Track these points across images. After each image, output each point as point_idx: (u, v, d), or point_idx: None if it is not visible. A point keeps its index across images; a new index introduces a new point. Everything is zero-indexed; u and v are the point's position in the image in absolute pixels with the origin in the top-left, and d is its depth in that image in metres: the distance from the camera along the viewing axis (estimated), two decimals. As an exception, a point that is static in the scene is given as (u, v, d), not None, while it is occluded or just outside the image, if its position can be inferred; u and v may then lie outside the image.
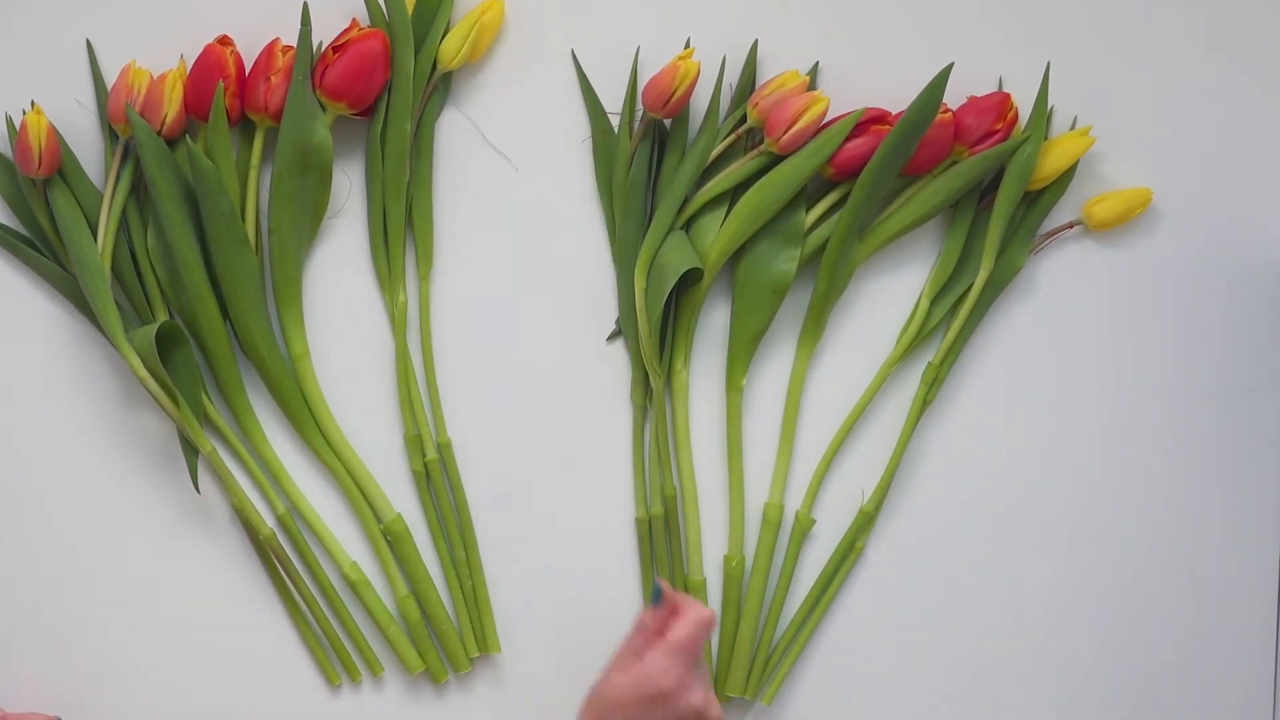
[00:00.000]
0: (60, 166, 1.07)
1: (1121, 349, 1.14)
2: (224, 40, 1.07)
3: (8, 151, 1.09)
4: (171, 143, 1.07)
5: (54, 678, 1.02)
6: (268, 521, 1.10)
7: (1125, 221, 1.12)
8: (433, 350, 1.11)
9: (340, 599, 1.11)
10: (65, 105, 1.09)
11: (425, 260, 1.10)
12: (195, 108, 1.08)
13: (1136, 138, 1.13)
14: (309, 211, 1.09)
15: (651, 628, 0.97)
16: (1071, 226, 1.13)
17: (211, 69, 1.06)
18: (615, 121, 1.10)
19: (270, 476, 1.10)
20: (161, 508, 1.10)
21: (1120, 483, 1.14)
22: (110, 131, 1.08)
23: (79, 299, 1.08)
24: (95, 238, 1.07)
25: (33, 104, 1.06)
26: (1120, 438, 1.14)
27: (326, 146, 1.07)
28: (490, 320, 1.11)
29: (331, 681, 1.11)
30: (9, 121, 1.08)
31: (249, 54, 1.08)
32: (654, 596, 0.97)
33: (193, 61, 1.08)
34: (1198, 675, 1.14)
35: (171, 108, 1.06)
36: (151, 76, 1.07)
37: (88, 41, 1.09)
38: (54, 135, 1.05)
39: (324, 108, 1.07)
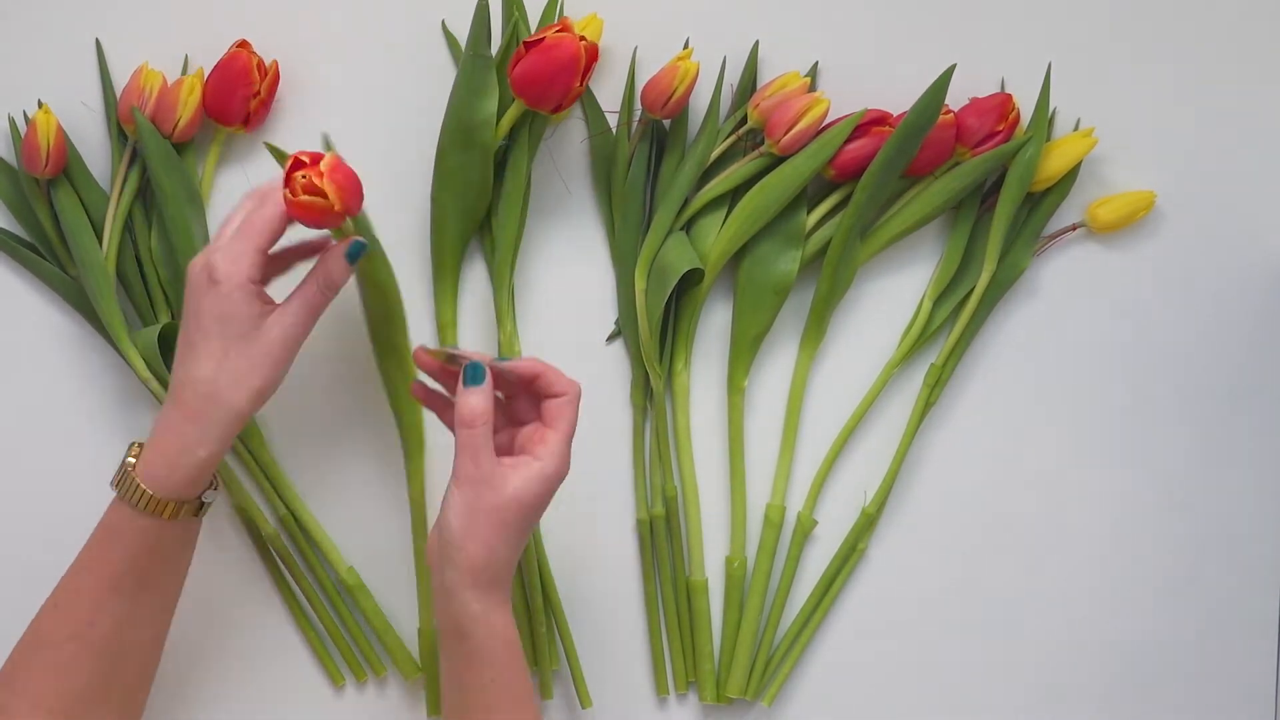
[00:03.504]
0: (66, 167, 1.07)
1: (1124, 351, 1.13)
2: (243, 44, 1.08)
3: (7, 154, 1.09)
4: (181, 146, 1.08)
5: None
6: (270, 521, 1.10)
7: (1128, 224, 1.12)
8: (434, 350, 1.11)
9: (342, 599, 1.11)
10: (70, 106, 1.09)
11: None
12: (217, 112, 1.08)
13: (1139, 140, 1.12)
14: (473, 190, 1.08)
15: (510, 415, 0.97)
16: (1074, 229, 1.12)
17: (237, 75, 1.07)
18: (614, 121, 1.10)
19: (269, 480, 1.11)
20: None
21: (1122, 484, 1.13)
22: (120, 133, 1.09)
23: (79, 302, 1.09)
24: (100, 239, 1.07)
25: (40, 104, 1.07)
26: (1122, 439, 1.13)
27: (491, 124, 1.05)
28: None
29: (335, 682, 1.11)
30: (12, 123, 1.08)
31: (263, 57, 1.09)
32: (474, 375, 0.94)
33: (212, 64, 1.08)
34: (1200, 676, 1.13)
35: (186, 111, 1.07)
36: (165, 79, 1.07)
37: (97, 41, 1.09)
38: (62, 135, 1.06)
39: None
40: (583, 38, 1.02)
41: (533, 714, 0.95)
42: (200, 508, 0.97)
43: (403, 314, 1.02)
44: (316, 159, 0.92)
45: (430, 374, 0.98)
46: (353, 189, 0.93)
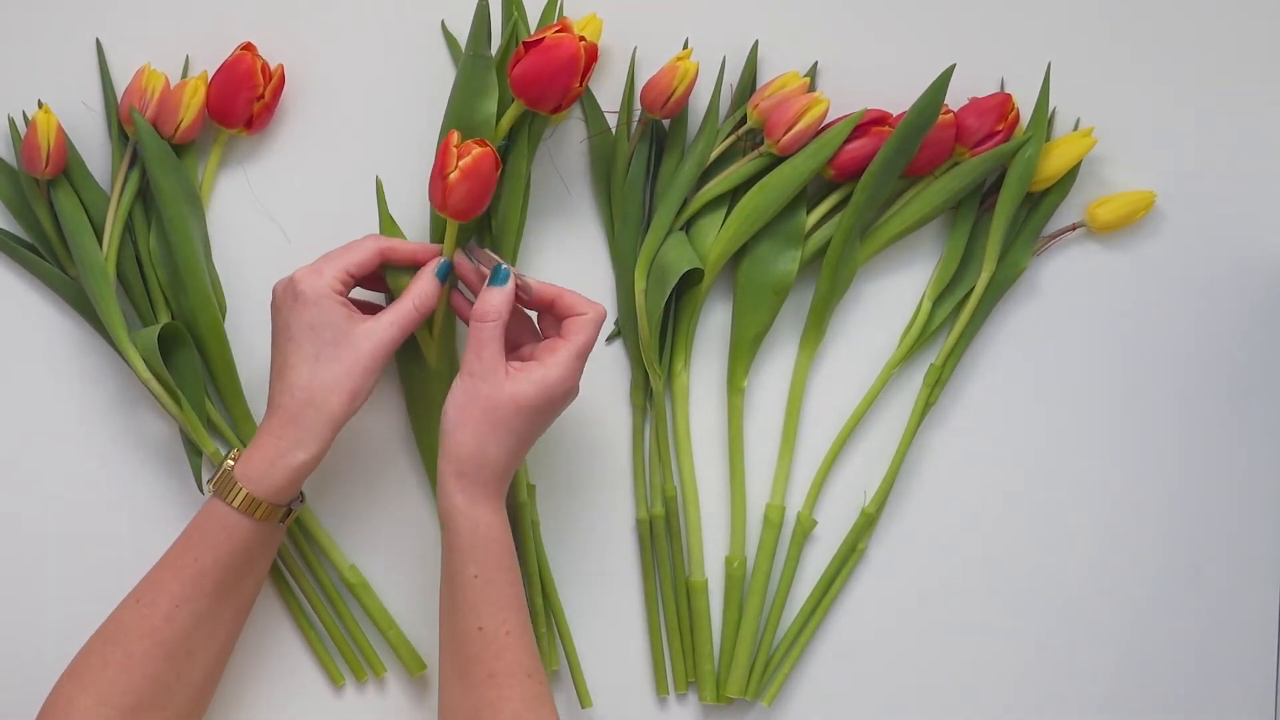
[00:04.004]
0: (66, 167, 1.07)
1: (1124, 351, 1.13)
2: (248, 47, 1.08)
3: (7, 155, 1.09)
4: (182, 148, 1.08)
5: (56, 678, 1.02)
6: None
7: (1128, 224, 1.12)
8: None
9: (342, 599, 1.11)
10: (70, 107, 1.09)
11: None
12: (220, 114, 1.08)
13: (1139, 140, 1.12)
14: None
15: (522, 324, 1.02)
16: (1074, 229, 1.12)
17: (241, 77, 1.07)
18: (613, 121, 1.10)
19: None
20: (164, 508, 1.10)
21: (1123, 484, 1.13)
22: (121, 133, 1.09)
23: (79, 302, 1.09)
24: (100, 240, 1.07)
25: (40, 103, 1.07)
26: (1123, 439, 1.13)
27: (490, 124, 1.05)
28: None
29: (335, 682, 1.11)
30: (12, 123, 1.08)
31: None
32: (499, 276, 0.99)
33: (215, 66, 1.08)
34: (1201, 675, 1.13)
35: (189, 114, 1.07)
36: (167, 80, 1.07)
37: (97, 42, 1.09)
38: (62, 135, 1.06)
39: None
40: (582, 38, 1.02)
41: (518, 618, 0.97)
42: (287, 514, 1.00)
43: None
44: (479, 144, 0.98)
45: (465, 281, 1.03)
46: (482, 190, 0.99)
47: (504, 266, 0.99)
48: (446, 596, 0.98)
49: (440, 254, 1.02)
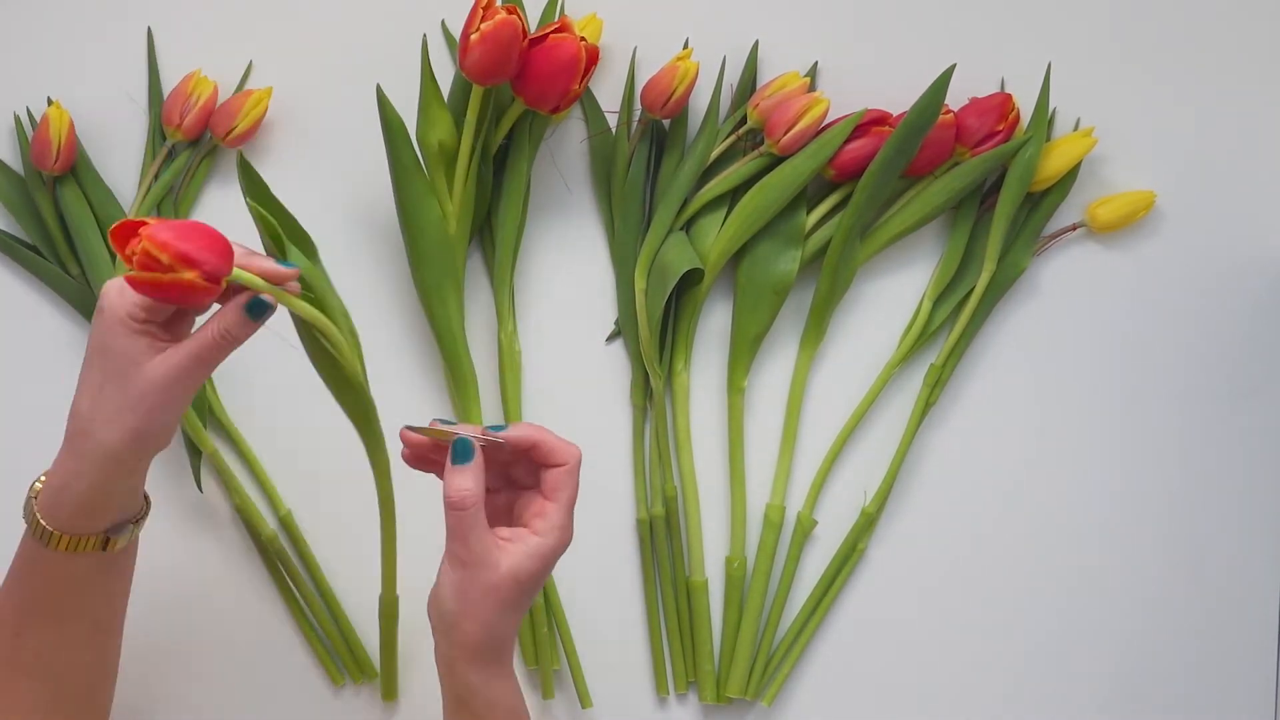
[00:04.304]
0: (74, 164, 1.07)
1: (1124, 351, 1.13)
2: None
3: (10, 155, 1.09)
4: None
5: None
6: (269, 522, 1.10)
7: (1128, 224, 1.12)
8: (434, 351, 1.11)
9: (339, 601, 1.11)
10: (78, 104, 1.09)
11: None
12: None
13: (1139, 140, 1.12)
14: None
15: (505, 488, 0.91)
16: (1074, 229, 1.12)
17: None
18: (614, 121, 1.10)
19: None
20: (164, 508, 1.10)
21: (1123, 484, 1.13)
22: (159, 132, 1.09)
23: (80, 302, 1.09)
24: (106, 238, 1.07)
25: (49, 100, 1.07)
26: (1123, 439, 1.13)
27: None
28: (491, 321, 1.12)
29: (335, 682, 1.11)
30: (17, 120, 1.08)
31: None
32: (462, 452, 0.87)
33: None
34: (1201, 675, 1.13)
35: (245, 121, 1.08)
36: (216, 88, 1.08)
37: (148, 31, 1.10)
38: (73, 132, 1.06)
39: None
40: (583, 38, 1.02)
41: None
42: (107, 543, 0.89)
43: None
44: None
45: (420, 451, 0.91)
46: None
47: (466, 440, 0.87)
48: None
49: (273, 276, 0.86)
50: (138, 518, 0.91)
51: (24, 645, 0.90)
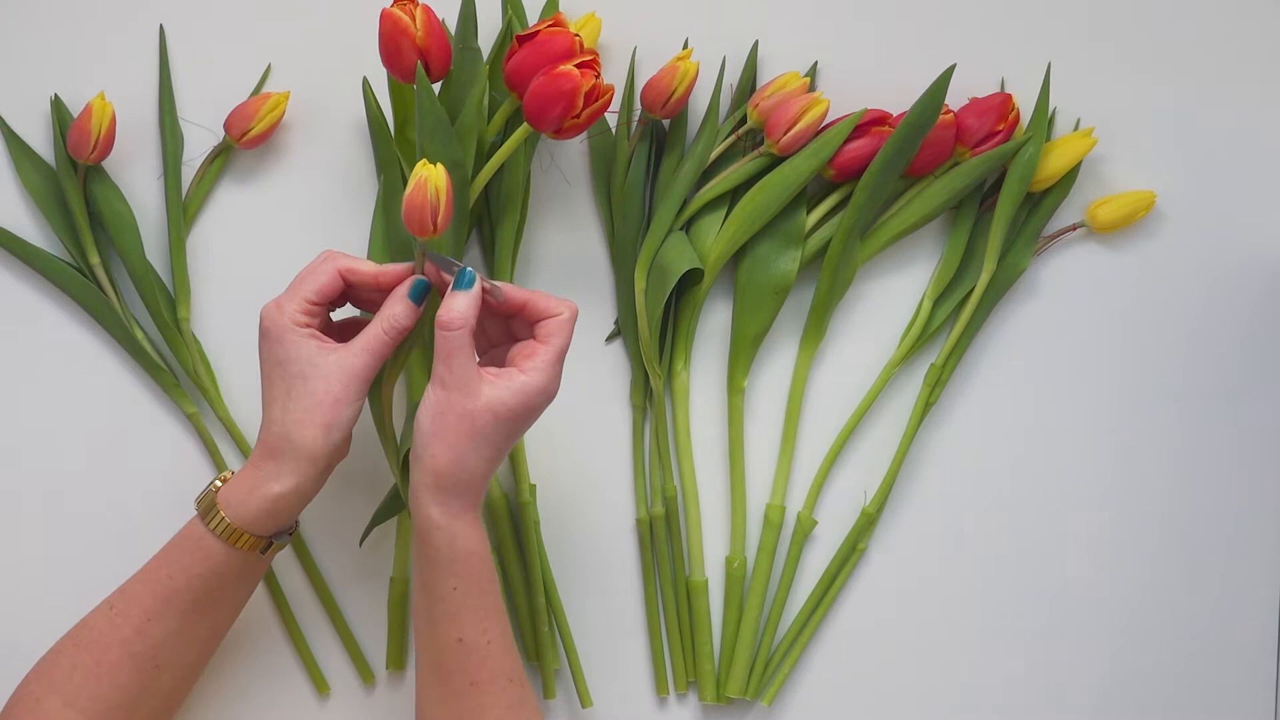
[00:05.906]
0: (108, 157, 1.08)
1: (1124, 351, 1.13)
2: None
3: (36, 143, 1.10)
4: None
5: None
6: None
7: (1128, 224, 1.12)
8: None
9: (336, 604, 1.11)
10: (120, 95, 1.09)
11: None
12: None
13: (1139, 140, 1.12)
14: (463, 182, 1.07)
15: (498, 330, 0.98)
16: (1074, 229, 1.12)
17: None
18: (614, 122, 1.10)
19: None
20: (165, 508, 1.10)
21: (1123, 484, 1.13)
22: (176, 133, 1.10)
23: (87, 300, 1.09)
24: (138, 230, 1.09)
25: (55, 96, 1.08)
26: (1122, 439, 1.13)
27: (483, 115, 1.04)
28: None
29: (320, 691, 1.11)
30: (57, 103, 1.09)
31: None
32: (463, 280, 0.93)
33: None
34: (1200, 675, 1.13)
35: (261, 124, 1.08)
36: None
37: (160, 29, 1.11)
38: (114, 125, 1.06)
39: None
40: (578, 36, 1.02)
41: (498, 625, 0.95)
42: (268, 546, 0.97)
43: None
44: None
45: (431, 280, 0.97)
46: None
47: (468, 270, 0.93)
48: (424, 608, 0.95)
49: (411, 272, 0.96)
50: (291, 530, 0.99)
51: (148, 632, 0.95)
